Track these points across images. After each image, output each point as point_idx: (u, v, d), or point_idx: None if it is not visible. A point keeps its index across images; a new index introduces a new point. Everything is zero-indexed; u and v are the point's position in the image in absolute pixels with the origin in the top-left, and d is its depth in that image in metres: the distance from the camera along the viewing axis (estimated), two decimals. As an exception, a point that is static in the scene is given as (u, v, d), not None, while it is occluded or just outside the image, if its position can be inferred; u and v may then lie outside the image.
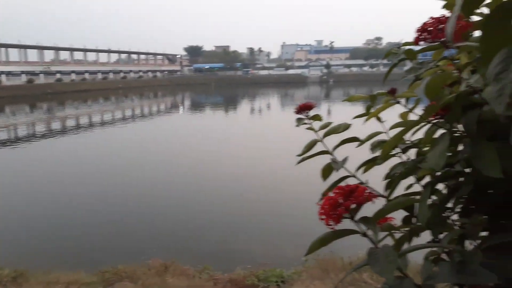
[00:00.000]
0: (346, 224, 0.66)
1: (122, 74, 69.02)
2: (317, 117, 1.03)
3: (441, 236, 0.87)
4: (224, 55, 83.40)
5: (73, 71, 61.97)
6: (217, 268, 4.71)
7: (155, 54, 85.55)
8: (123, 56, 79.41)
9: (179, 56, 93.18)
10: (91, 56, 72.48)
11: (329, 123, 1.04)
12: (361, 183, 0.99)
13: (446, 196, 0.84)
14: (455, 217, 0.90)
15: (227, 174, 11.06)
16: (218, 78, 73.23)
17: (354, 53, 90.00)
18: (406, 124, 0.95)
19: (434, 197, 0.90)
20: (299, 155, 1.05)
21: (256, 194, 8.97)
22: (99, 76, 65.28)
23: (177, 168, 12.11)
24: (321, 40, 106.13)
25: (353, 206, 0.58)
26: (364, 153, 1.18)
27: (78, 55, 69.52)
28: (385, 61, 78.74)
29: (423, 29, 0.63)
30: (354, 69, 78.05)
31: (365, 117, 1.10)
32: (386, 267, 0.56)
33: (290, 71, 77.11)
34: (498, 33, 0.45)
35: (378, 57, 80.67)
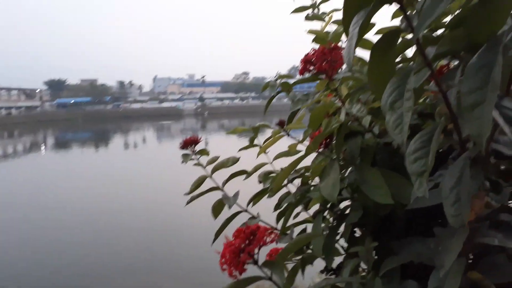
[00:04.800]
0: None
1: (-34, 113, 59.62)
2: (204, 152, 0.98)
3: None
4: (91, 88, 78.56)
5: None
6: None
7: (8, 89, 76.30)
8: (-33, 92, 69.11)
9: (39, 90, 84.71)
10: None
11: (217, 157, 1.00)
12: (253, 217, 0.96)
13: (336, 224, 0.86)
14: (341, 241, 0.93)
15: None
16: (85, 113, 68.27)
17: (224, 86, 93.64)
18: (289, 154, 0.97)
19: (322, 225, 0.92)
20: (187, 194, 0.98)
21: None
22: None
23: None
24: (193, 74, 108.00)
25: (256, 250, 0.54)
26: (250, 184, 1.17)
27: None
28: (253, 94, 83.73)
29: (307, 60, 0.64)
30: (226, 101, 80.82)
31: (250, 148, 1.09)
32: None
33: (165, 104, 76.20)
34: (383, 63, 0.46)
35: (246, 91, 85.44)
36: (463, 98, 0.36)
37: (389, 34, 0.44)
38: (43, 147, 31.45)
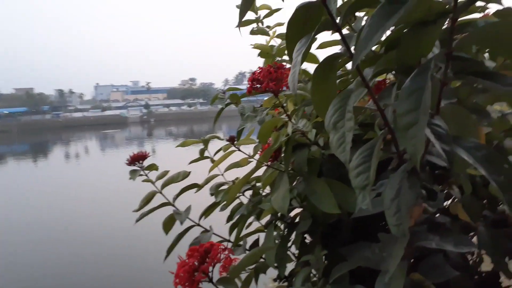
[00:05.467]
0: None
1: None
2: (153, 167, 0.97)
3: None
4: (27, 98, 73.99)
5: None
6: None
7: None
8: None
9: (-33, 101, 78.40)
10: None
11: (166, 172, 0.99)
12: (206, 230, 0.96)
13: (287, 233, 0.88)
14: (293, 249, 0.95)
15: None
16: (21, 124, 64.16)
17: (171, 93, 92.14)
18: (240, 165, 0.98)
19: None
20: (136, 211, 0.96)
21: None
22: None
23: None
24: (137, 81, 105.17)
25: (211, 268, 0.54)
26: (201, 197, 1.16)
27: None
28: (201, 100, 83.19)
29: (254, 79, 0.66)
30: (173, 108, 79.49)
31: (201, 161, 1.09)
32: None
33: (108, 112, 73.48)
34: (325, 85, 0.49)
35: (194, 97, 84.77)
36: (398, 119, 0.39)
37: (329, 59, 0.47)
38: (-27, 162, 28.94)
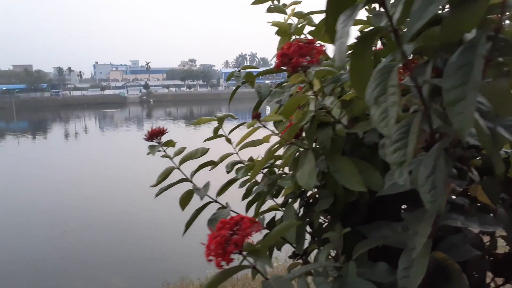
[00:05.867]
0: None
1: None
2: (170, 143, 0.97)
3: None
4: (26, 75, 73.34)
5: None
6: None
7: None
8: None
9: (-35, 77, 77.77)
10: None
11: (183, 149, 0.99)
12: (223, 206, 0.97)
13: (305, 211, 0.89)
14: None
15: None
16: (20, 101, 63.87)
17: (170, 73, 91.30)
18: (254, 144, 0.98)
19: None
20: (154, 186, 0.97)
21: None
22: None
23: None
24: (136, 61, 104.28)
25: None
26: (212, 175, 1.17)
27: None
28: (200, 82, 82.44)
29: (283, 55, 0.65)
30: (172, 89, 78.95)
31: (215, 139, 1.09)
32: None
33: (107, 92, 73.09)
34: (362, 60, 0.48)
35: (193, 78, 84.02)
36: (445, 94, 0.39)
37: (367, 34, 0.46)
38: (-28, 139, 28.84)
